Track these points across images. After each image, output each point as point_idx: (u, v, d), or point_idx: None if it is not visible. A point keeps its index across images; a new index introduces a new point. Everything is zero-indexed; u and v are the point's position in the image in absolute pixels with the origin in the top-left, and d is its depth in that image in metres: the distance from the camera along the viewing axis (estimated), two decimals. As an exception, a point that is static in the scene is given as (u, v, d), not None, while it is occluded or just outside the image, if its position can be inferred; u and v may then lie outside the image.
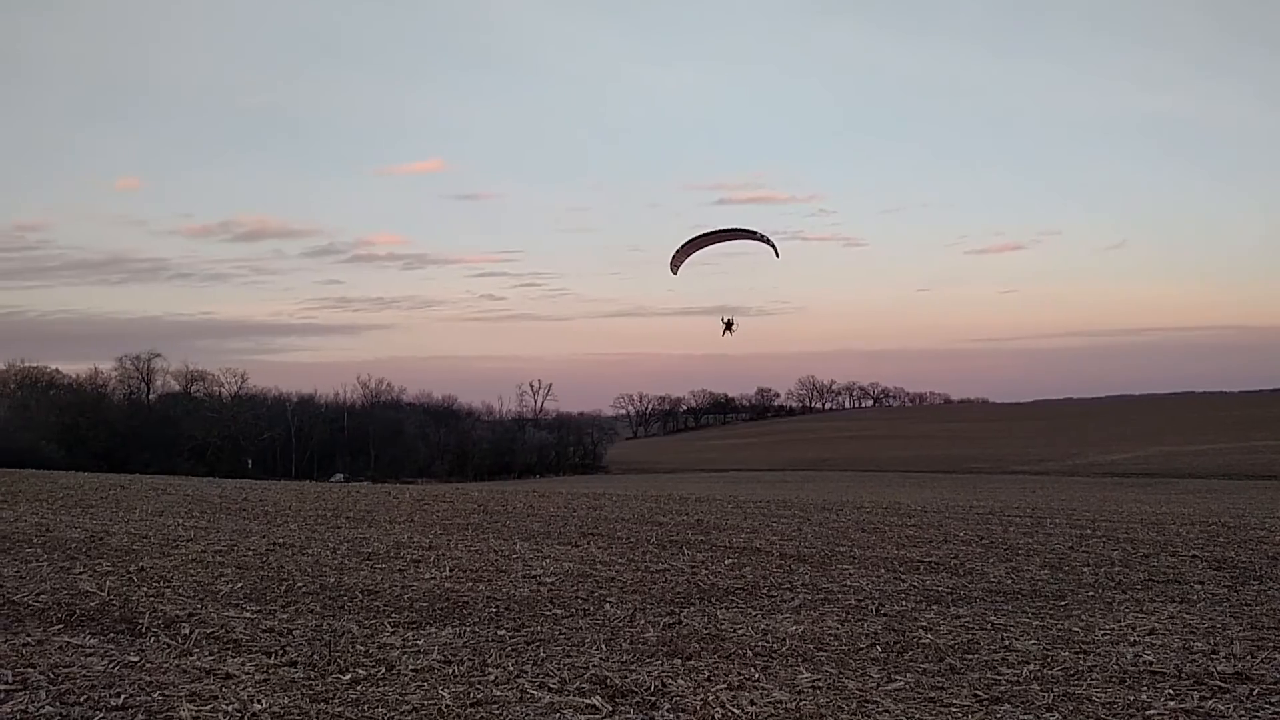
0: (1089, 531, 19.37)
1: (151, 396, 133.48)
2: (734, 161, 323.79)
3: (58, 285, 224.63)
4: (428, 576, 12.32)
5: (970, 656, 8.05)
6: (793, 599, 10.94)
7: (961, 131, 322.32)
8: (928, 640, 8.66)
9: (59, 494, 26.98)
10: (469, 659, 7.73)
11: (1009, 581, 12.52)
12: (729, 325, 25.13)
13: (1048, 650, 8.26)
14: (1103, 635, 8.93)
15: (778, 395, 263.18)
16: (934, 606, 10.56)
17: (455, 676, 7.14)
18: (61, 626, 8.79)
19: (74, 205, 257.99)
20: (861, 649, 8.31)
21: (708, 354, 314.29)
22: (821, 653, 8.15)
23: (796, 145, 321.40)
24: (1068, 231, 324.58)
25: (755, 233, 23.15)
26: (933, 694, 6.78)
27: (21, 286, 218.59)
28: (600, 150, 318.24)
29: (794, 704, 6.39)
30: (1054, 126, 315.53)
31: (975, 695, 6.77)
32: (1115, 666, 7.65)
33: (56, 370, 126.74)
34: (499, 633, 8.93)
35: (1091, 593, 11.68)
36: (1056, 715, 6.30)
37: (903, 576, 12.77)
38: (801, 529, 19.06)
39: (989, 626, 9.38)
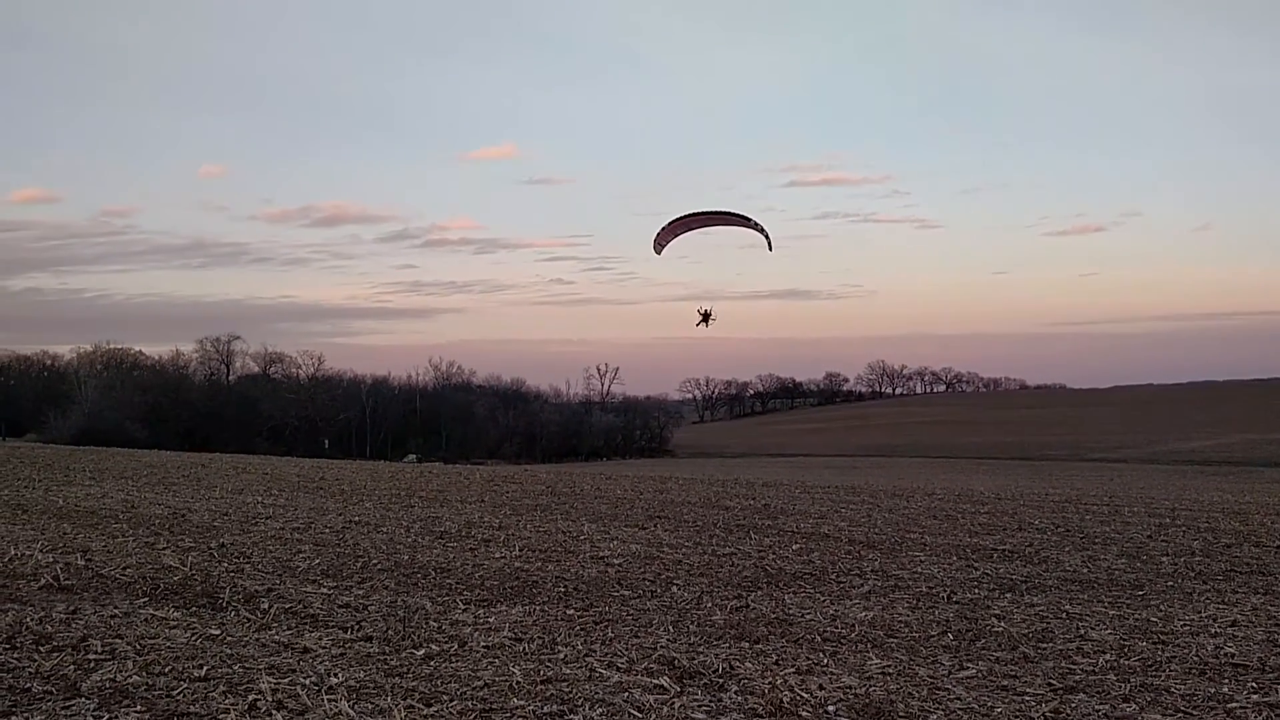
0: (1168, 520, 18.89)
1: (231, 377, 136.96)
2: (806, 143, 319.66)
3: (142, 269, 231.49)
4: (498, 556, 12.50)
5: (1044, 645, 7.93)
6: (862, 585, 10.87)
7: (1041, 110, 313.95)
8: (1000, 628, 8.54)
9: (143, 472, 27.92)
10: (539, 637, 7.83)
11: (1085, 570, 12.28)
12: (706, 317, 24.25)
13: (1125, 640, 8.09)
14: (1182, 626, 8.72)
15: (846, 380, 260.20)
16: (1007, 594, 10.40)
17: (526, 654, 7.24)
18: (146, 599, 9.11)
19: (159, 191, 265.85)
20: (932, 636, 8.23)
21: (775, 338, 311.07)
22: (891, 639, 8.09)
23: (871, 125, 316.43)
24: (1151, 213, 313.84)
25: (749, 219, 22.39)
26: (1005, 682, 6.69)
27: (108, 270, 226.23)
28: (670, 134, 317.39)
29: (863, 689, 6.35)
30: (1137, 104, 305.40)
31: (1049, 684, 6.66)
32: (1195, 658, 7.47)
33: (140, 352, 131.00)
34: (568, 612, 9.03)
35: (1171, 583, 11.40)
36: (1134, 706, 6.17)
37: (975, 564, 12.60)
38: (871, 515, 18.91)
39: (1064, 615, 9.22)
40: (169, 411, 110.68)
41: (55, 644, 6.94)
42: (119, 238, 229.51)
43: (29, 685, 5.91)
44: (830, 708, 5.94)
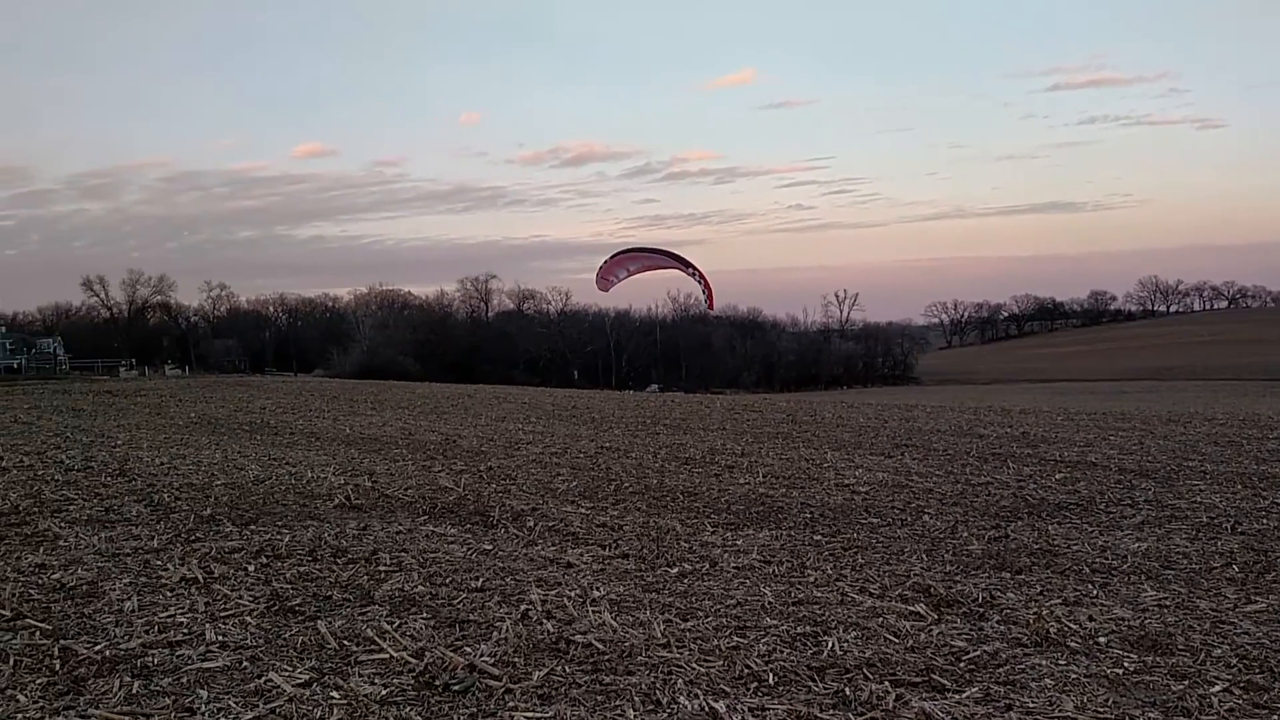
0: None
1: (490, 314, 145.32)
2: (1070, 41, 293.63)
3: (410, 215, 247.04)
4: (742, 481, 12.66)
5: (1350, 582, 7.17)
6: (1134, 515, 10.20)
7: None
8: (1296, 563, 7.79)
9: (417, 402, 30.23)
10: (787, 560, 7.89)
11: (1401, 503, 10.95)
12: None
13: None
14: None
15: (1114, 298, 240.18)
16: (1304, 527, 9.45)
17: (775, 576, 7.33)
18: (426, 517, 9.91)
19: (425, 140, 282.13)
20: (1215, 568, 7.63)
21: (1034, 255, 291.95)
22: (1168, 571, 7.57)
23: (1145, 16, 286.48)
24: None
25: (689, 266, 21.30)
26: (1303, 620, 6.11)
27: (381, 217, 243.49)
28: (916, 42, 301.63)
29: (1138, 621, 5.99)
30: None
31: (1357, 624, 6.02)
32: None
33: (409, 292, 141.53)
34: (815, 537, 9.03)
35: None
36: None
37: (1263, 493, 11.53)
38: (1143, 442, 17.65)
39: (1375, 551, 8.28)
40: (436, 347, 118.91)
41: (350, 557, 7.69)
42: (390, 186, 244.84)
43: (330, 593, 6.58)
44: (1101, 639, 5.64)
